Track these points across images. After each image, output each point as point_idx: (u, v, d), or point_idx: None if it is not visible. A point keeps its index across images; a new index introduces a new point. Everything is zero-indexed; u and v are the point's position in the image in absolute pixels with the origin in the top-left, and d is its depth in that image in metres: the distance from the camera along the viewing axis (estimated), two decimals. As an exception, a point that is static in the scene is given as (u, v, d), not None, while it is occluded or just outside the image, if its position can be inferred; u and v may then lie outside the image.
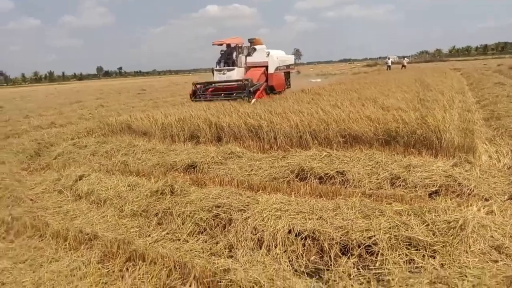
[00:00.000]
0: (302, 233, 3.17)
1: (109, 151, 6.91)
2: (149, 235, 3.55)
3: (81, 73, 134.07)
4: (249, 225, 3.36)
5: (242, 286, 2.55)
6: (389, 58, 41.18)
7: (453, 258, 2.74)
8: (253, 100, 11.19)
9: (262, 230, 3.26)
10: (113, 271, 2.96)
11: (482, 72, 21.34)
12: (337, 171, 4.69)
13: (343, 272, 2.77)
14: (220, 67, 13.55)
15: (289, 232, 3.21)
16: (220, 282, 2.65)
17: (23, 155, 7.18)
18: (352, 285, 2.62)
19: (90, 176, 5.07)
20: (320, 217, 3.34)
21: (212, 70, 13.75)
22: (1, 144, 8.07)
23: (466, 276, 2.52)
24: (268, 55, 13.66)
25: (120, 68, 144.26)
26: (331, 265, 2.89)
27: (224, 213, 3.60)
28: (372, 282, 2.63)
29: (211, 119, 7.75)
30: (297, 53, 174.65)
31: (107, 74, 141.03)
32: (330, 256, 2.97)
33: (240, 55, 13.63)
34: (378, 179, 4.46)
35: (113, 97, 23.10)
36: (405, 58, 42.80)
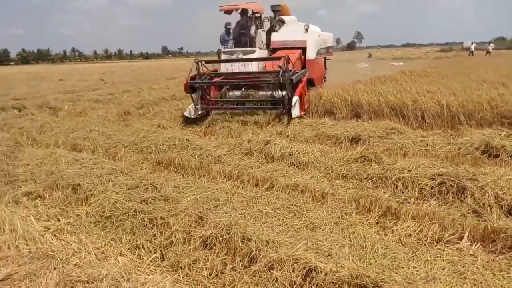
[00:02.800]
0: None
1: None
2: (384, 195, 3.79)
3: (147, 52, 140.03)
4: (488, 192, 3.47)
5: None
6: (472, 43, 38.55)
7: None
8: (297, 113, 6.95)
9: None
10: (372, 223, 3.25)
11: None
12: (534, 150, 4.62)
13: None
14: (227, 47, 8.90)
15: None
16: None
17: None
18: None
19: (276, 141, 5.44)
20: None
21: (218, 53, 9.00)
22: (155, 112, 8.91)
23: None
24: (306, 30, 9.21)
25: (181, 48, 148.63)
26: None
27: (452, 181, 3.74)
28: None
29: (346, 96, 7.89)
30: (358, 36, 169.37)
31: (169, 53, 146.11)
32: None
33: (259, 30, 8.90)
34: None
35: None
36: (491, 44, 39.76)
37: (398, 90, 8.20)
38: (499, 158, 4.68)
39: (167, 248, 2.90)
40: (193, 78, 7.76)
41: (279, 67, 7.25)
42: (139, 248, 2.94)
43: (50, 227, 3.14)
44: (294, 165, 4.83)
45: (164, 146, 5.87)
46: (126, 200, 3.55)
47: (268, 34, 9.42)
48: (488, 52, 35.77)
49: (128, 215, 3.31)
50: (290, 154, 4.99)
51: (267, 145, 5.38)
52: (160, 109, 9.18)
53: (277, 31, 9.32)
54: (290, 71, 7.11)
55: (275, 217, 3.41)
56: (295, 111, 6.97)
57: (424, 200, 3.68)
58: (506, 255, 2.71)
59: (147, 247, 2.94)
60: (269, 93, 7.88)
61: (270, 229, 3.13)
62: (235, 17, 9.16)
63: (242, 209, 3.57)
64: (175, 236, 2.96)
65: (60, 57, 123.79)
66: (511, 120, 6.07)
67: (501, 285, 2.38)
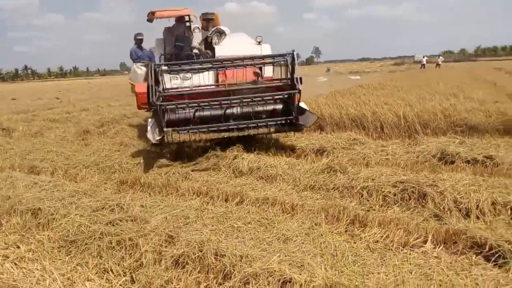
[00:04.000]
0: (507, 204, 3.47)
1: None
2: (350, 204, 3.90)
3: (104, 69, 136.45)
4: (447, 197, 3.67)
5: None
6: (424, 57, 41.13)
7: None
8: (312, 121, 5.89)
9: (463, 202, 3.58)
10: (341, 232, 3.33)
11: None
12: (484, 156, 4.95)
13: None
14: (142, 64, 7.58)
15: (493, 203, 3.51)
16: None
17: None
18: None
19: (243, 155, 5.46)
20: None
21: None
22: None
23: None
24: (259, 43, 7.45)
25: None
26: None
27: (413, 187, 3.92)
28: None
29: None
30: (316, 51, 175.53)
31: (128, 70, 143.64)
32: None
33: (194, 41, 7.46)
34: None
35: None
36: (440, 57, 42.66)
37: (357, 103, 8.56)
38: (455, 164, 4.96)
39: (137, 270, 2.81)
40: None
41: (256, 75, 6.43)
42: (107, 272, 2.83)
43: (9, 255, 2.95)
44: (263, 178, 4.86)
45: (128, 164, 5.73)
46: (91, 223, 3.42)
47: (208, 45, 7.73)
48: (438, 64, 38.21)
49: (94, 238, 3.18)
50: (258, 168, 5.03)
51: (235, 160, 5.39)
52: (121, 127, 8.95)
53: (216, 43, 7.54)
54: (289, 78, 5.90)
55: (247, 231, 3.40)
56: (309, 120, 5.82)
57: (388, 207, 3.83)
58: (467, 255, 2.86)
59: (116, 270, 2.83)
60: (270, 107, 6.06)
61: (243, 243, 3.12)
62: (155, 27, 8.08)
63: (213, 225, 3.53)
64: (145, 257, 2.87)
65: (11, 76, 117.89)
66: (464, 128, 6.49)
67: (464, 284, 2.51)
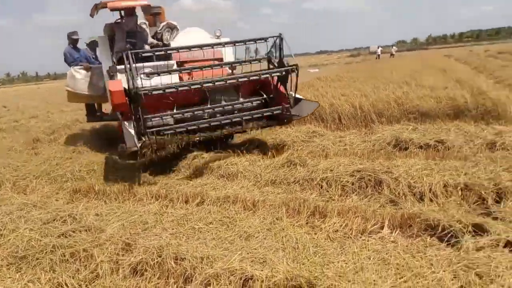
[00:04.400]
0: (458, 185, 3.63)
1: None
2: (311, 196, 3.93)
3: (55, 72, 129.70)
4: (401, 183, 3.80)
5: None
6: (378, 47, 42.52)
7: None
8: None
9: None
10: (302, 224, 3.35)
11: (479, 58, 22.30)
12: (435, 141, 5.17)
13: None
14: (80, 66, 6.88)
15: (444, 186, 3.67)
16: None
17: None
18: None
19: (203, 154, 5.37)
20: (465, 173, 3.79)
21: (72, 77, 6.74)
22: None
23: None
24: (218, 38, 6.75)
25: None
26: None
27: (369, 175, 4.02)
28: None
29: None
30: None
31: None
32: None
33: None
34: (475, 145, 4.97)
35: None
36: (393, 47, 44.30)
37: (315, 95, 8.67)
38: (408, 150, 5.15)
39: (93, 282, 2.69)
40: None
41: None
42: (61, 286, 2.69)
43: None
44: (224, 176, 4.81)
45: (82, 172, 5.48)
46: (42, 236, 3.23)
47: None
48: (392, 54, 39.62)
49: (46, 252, 3.01)
50: (219, 166, 4.96)
51: (194, 160, 5.29)
52: (74, 133, 8.54)
53: (168, 40, 6.79)
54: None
55: (208, 232, 3.34)
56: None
57: (347, 196, 3.91)
58: (422, 237, 2.97)
59: (71, 283, 2.69)
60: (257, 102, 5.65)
61: (204, 245, 3.06)
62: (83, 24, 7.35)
63: (173, 229, 3.43)
64: (101, 268, 2.75)
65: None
66: (416, 115, 6.76)
67: (420, 265, 2.59)
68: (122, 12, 6.29)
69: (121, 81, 4.85)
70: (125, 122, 4.74)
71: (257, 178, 4.61)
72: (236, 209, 3.72)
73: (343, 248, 2.88)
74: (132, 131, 4.63)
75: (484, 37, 77.17)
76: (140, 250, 2.84)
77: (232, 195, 4.07)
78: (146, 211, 3.87)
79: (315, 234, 3.15)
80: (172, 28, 6.92)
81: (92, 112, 7.58)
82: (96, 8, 6.20)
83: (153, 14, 7.36)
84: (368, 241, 2.96)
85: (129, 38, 6.29)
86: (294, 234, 3.11)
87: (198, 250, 2.83)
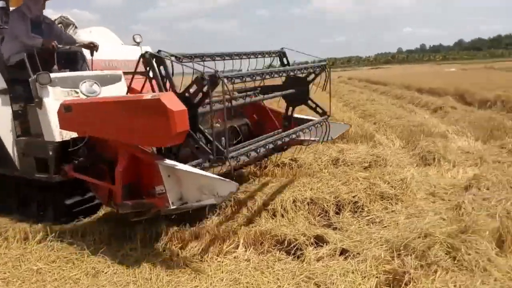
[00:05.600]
0: (305, 200, 4.01)
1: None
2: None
3: None
4: (257, 201, 4.02)
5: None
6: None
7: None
8: None
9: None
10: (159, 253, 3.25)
11: (332, 84, 25.46)
12: (290, 159, 5.65)
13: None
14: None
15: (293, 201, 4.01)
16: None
17: None
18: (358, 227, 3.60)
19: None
20: (311, 189, 4.22)
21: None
22: None
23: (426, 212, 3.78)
24: (138, 44, 5.48)
25: None
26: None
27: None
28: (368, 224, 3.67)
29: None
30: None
31: None
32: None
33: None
34: (323, 162, 5.61)
35: None
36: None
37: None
38: (267, 169, 5.50)
39: None
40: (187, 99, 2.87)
41: None
42: None
43: None
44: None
45: None
46: None
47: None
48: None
49: None
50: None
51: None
52: None
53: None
54: None
55: (50, 272, 2.97)
56: None
57: (207, 218, 3.94)
58: (272, 253, 3.16)
59: None
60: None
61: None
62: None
63: (4, 273, 2.96)
64: None
65: None
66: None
67: (268, 281, 2.75)
68: None
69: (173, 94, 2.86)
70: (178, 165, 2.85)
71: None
72: (87, 243, 3.40)
73: (198, 273, 2.87)
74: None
75: (338, 64, 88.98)
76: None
77: (84, 226, 3.72)
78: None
79: (172, 261, 3.07)
80: (67, 25, 5.60)
81: None
82: None
83: None
84: (223, 262, 3.02)
85: (35, 31, 4.15)
86: (149, 265, 2.98)
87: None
